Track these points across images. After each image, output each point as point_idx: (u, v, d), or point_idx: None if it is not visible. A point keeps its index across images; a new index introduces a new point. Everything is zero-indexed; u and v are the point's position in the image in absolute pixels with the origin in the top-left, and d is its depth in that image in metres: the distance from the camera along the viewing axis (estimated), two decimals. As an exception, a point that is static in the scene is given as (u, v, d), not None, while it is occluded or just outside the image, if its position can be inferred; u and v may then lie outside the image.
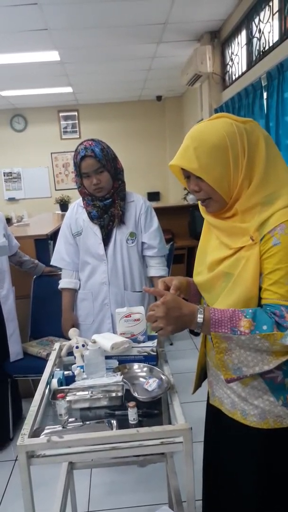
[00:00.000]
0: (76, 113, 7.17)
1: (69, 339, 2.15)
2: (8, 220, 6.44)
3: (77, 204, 2.14)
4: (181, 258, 4.85)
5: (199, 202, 1.16)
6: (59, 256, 2.15)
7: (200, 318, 1.05)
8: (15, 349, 2.52)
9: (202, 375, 1.35)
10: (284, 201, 1.03)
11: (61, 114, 7.15)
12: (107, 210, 2.02)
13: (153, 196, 7.27)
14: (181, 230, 5.48)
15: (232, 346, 1.04)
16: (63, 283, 2.17)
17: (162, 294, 1.12)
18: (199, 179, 1.08)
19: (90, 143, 1.95)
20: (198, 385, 1.38)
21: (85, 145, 1.94)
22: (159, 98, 6.99)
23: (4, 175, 7.22)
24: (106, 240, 2.05)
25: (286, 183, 1.06)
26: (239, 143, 1.04)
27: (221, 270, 1.10)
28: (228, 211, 1.10)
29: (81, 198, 2.09)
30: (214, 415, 1.27)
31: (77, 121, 7.19)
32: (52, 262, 2.21)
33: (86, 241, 2.07)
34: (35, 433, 1.16)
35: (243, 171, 1.05)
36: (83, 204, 2.07)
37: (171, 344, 3.78)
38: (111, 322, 2.09)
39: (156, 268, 2.15)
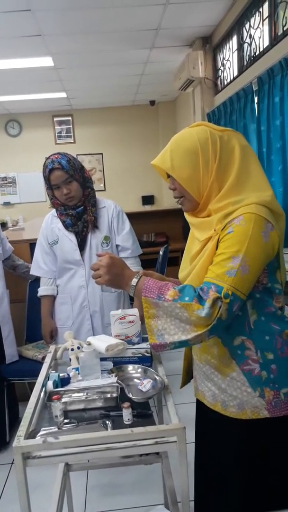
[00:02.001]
0: (70, 118, 7.20)
1: (49, 344, 2.22)
2: (4, 224, 6.45)
3: (51, 215, 2.24)
4: (176, 261, 4.88)
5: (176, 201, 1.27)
6: (37, 265, 2.27)
7: (134, 281, 1.18)
8: (10, 351, 2.54)
9: (189, 370, 1.39)
10: (251, 199, 1.10)
11: (55, 119, 7.17)
12: (80, 217, 2.13)
13: (148, 199, 7.30)
14: (175, 233, 5.52)
15: (160, 314, 1.11)
16: (41, 291, 2.29)
17: (112, 256, 1.26)
18: (175, 179, 1.19)
19: (56, 156, 2.06)
20: (185, 380, 1.42)
21: (52, 159, 2.05)
22: (152, 102, 7.03)
23: (-1, 180, 7.23)
24: (81, 245, 2.16)
25: (258, 189, 1.13)
26: (211, 149, 1.13)
27: (193, 264, 1.19)
28: (203, 211, 1.19)
29: (54, 209, 2.19)
30: (198, 410, 1.33)
31: (71, 126, 7.21)
32: (31, 272, 2.34)
33: (62, 249, 2.17)
34: (31, 435, 1.18)
35: (213, 174, 1.13)
36: (57, 214, 2.18)
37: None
38: (90, 324, 2.21)
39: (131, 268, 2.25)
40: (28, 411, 1.26)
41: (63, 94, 6.03)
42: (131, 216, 2.33)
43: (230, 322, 1.09)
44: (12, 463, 2.39)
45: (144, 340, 1.58)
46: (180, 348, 1.14)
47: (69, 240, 2.15)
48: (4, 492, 2.19)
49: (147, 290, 1.13)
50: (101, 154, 7.29)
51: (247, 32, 3.52)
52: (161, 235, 5.54)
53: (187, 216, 1.26)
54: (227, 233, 1.08)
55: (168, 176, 1.23)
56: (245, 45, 3.60)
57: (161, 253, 4.06)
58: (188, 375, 1.41)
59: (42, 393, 1.38)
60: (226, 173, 1.13)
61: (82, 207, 2.13)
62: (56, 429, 1.21)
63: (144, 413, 1.26)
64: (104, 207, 2.21)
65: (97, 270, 1.24)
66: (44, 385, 1.41)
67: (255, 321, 1.14)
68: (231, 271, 1.05)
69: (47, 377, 1.45)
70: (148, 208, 7.09)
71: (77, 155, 6.34)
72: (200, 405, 1.31)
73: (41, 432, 1.20)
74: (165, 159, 1.17)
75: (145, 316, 1.12)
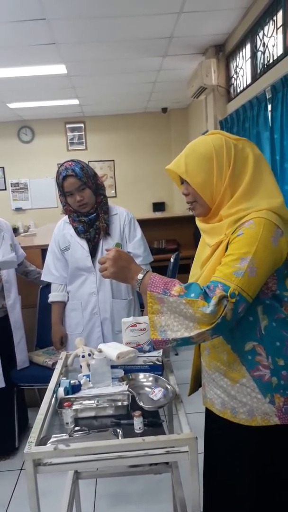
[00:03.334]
0: (82, 125, 7.26)
1: (59, 350, 2.22)
2: (15, 230, 6.50)
3: (63, 221, 2.25)
4: (187, 268, 4.86)
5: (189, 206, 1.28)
6: (48, 271, 2.28)
7: (140, 276, 1.18)
8: (21, 357, 2.54)
9: (197, 377, 1.38)
10: (262, 205, 1.12)
11: (67, 125, 7.24)
12: (92, 224, 2.14)
13: (159, 206, 7.31)
14: (187, 240, 5.50)
15: (164, 310, 1.11)
16: (52, 297, 2.29)
17: (119, 250, 1.27)
18: (188, 184, 1.21)
19: (70, 163, 2.07)
20: (193, 387, 1.41)
21: (65, 166, 2.06)
22: (164, 110, 7.06)
23: (12, 186, 7.30)
24: (93, 252, 2.16)
25: (269, 196, 1.15)
26: (225, 155, 1.16)
27: (203, 268, 1.19)
28: (214, 217, 1.20)
29: (67, 216, 2.20)
30: (207, 418, 1.32)
31: (83, 133, 7.27)
32: (42, 277, 2.34)
33: (74, 255, 2.18)
34: (41, 441, 1.18)
35: (227, 181, 1.15)
36: (69, 220, 2.19)
37: (177, 354, 3.78)
38: (100, 331, 2.20)
39: None
40: (39, 418, 1.26)
41: (75, 101, 6.09)
42: (142, 223, 2.33)
43: (233, 324, 1.08)
44: (21, 469, 2.39)
45: (155, 348, 1.58)
46: (182, 346, 1.13)
47: (80, 246, 2.16)
48: (13, 498, 2.19)
49: (153, 285, 1.13)
50: (113, 160, 7.33)
51: (261, 40, 3.53)
52: (172, 242, 5.53)
53: (198, 223, 1.28)
54: (237, 235, 1.10)
55: (182, 182, 1.25)
56: (259, 53, 3.60)
57: (172, 260, 4.06)
58: (196, 383, 1.40)
59: (53, 400, 1.38)
60: (239, 180, 1.15)
61: (95, 214, 2.13)
62: (67, 436, 1.21)
63: (154, 422, 1.25)
64: (116, 214, 2.22)
65: (104, 264, 1.25)
66: (55, 391, 1.40)
67: (266, 327, 1.14)
68: (238, 271, 1.05)
69: (58, 384, 1.45)
70: (159, 215, 7.09)
71: (88, 161, 6.38)
72: (209, 414, 1.29)
73: (52, 439, 1.19)
74: (180, 164, 1.20)
75: (148, 311, 1.12)
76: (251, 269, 1.05)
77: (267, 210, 1.11)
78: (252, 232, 1.08)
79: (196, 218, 1.29)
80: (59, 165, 2.12)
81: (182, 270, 4.52)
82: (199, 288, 1.07)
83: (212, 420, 1.27)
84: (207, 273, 1.15)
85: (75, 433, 1.22)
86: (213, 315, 1.02)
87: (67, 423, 1.24)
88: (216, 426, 1.26)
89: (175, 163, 1.22)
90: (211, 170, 1.16)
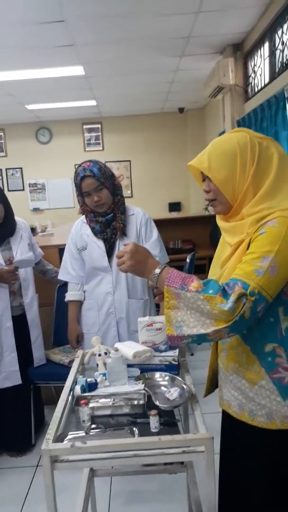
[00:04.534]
0: (99, 126, 7.30)
1: (75, 349, 2.23)
2: (33, 230, 6.58)
3: (80, 221, 2.27)
4: (203, 268, 4.85)
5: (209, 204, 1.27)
6: (65, 270, 2.30)
7: (158, 270, 1.17)
8: (38, 355, 2.58)
9: (214, 379, 1.38)
10: (286, 205, 1.10)
11: (85, 126, 7.29)
12: (109, 224, 2.15)
13: (175, 206, 7.29)
14: (202, 240, 5.48)
15: (180, 306, 1.09)
16: (69, 296, 2.31)
17: (137, 244, 1.27)
18: (210, 180, 1.19)
19: (88, 164, 2.08)
20: (209, 388, 1.40)
21: (83, 167, 2.07)
22: (181, 110, 7.04)
23: (30, 186, 7.39)
24: (110, 252, 2.18)
25: None
26: (249, 153, 1.14)
27: (224, 268, 1.18)
28: (234, 216, 1.19)
29: (84, 216, 2.22)
30: (224, 420, 1.30)
31: (100, 134, 7.31)
32: (59, 276, 2.36)
33: (91, 255, 2.19)
34: (58, 438, 1.19)
35: (250, 178, 1.13)
36: (86, 220, 2.21)
37: (192, 354, 3.77)
38: (116, 330, 2.21)
39: None
40: (56, 415, 1.27)
41: (93, 102, 6.13)
42: (158, 223, 2.34)
43: (251, 324, 1.07)
44: (38, 465, 2.42)
45: (171, 348, 1.58)
46: (198, 342, 1.12)
47: (97, 246, 2.18)
48: (29, 493, 2.21)
49: (170, 280, 1.11)
50: (129, 161, 7.35)
51: (280, 38, 3.49)
52: (188, 242, 5.52)
53: (218, 221, 1.26)
54: (260, 233, 1.08)
55: (203, 179, 1.24)
56: (277, 52, 3.56)
57: (188, 260, 4.05)
58: (212, 384, 1.39)
59: (70, 398, 1.39)
60: (263, 178, 1.14)
61: (112, 214, 2.15)
62: (83, 434, 1.22)
63: (170, 422, 1.25)
64: (133, 214, 2.23)
65: (121, 258, 1.24)
66: (72, 389, 1.42)
67: (287, 328, 1.12)
68: (260, 270, 1.04)
69: (74, 382, 1.46)
70: (175, 215, 7.08)
71: (105, 162, 6.39)
72: (226, 415, 1.28)
73: (69, 436, 1.21)
74: (203, 160, 1.18)
75: (165, 306, 1.11)
76: (272, 268, 1.03)
77: None
78: (276, 230, 1.06)
79: (217, 216, 1.28)
80: (77, 166, 2.13)
81: (198, 270, 4.51)
82: (217, 285, 1.06)
83: (229, 422, 1.26)
84: (228, 272, 1.13)
85: (91, 431, 1.23)
86: (231, 312, 1.01)
87: (83, 421, 1.25)
88: (233, 428, 1.25)
89: (198, 159, 1.21)
90: (234, 167, 1.14)
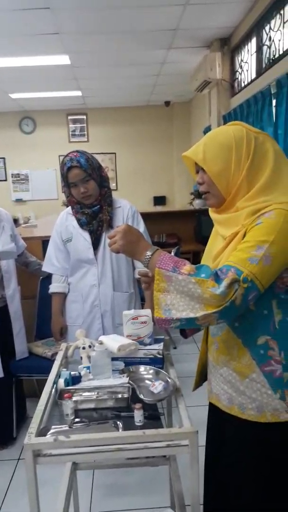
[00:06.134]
0: (84, 117, 7.22)
1: (59, 341, 2.21)
2: (15, 221, 6.47)
3: (66, 212, 2.24)
4: (186, 263, 4.86)
5: (203, 196, 1.26)
6: (50, 262, 2.27)
7: (149, 252, 1.16)
8: (20, 348, 2.55)
9: (203, 372, 1.38)
10: (282, 199, 1.10)
11: (69, 117, 7.20)
12: (96, 216, 2.13)
13: (159, 200, 7.29)
14: (187, 234, 5.50)
15: (170, 289, 1.08)
16: (53, 288, 2.29)
17: (130, 225, 1.27)
18: (204, 172, 1.18)
19: (75, 154, 2.05)
20: (198, 382, 1.41)
21: (70, 157, 2.04)
22: (167, 103, 7.02)
23: (12, 177, 7.27)
24: (95, 244, 2.16)
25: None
26: (245, 147, 1.13)
27: (217, 260, 1.17)
28: (227, 209, 1.18)
29: (70, 207, 2.19)
30: (211, 413, 1.31)
31: (85, 125, 7.24)
32: (43, 268, 2.34)
33: (76, 247, 2.17)
34: (41, 432, 1.17)
35: (244, 172, 1.13)
36: (72, 212, 2.18)
37: (175, 347, 3.78)
38: (101, 323, 2.20)
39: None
40: (39, 409, 1.25)
41: (78, 93, 6.05)
42: (143, 216, 2.32)
43: (241, 312, 1.07)
44: (19, 459, 2.40)
45: (156, 341, 1.58)
46: (186, 327, 1.10)
47: (83, 238, 2.15)
48: (10, 487, 2.20)
49: (162, 262, 1.10)
50: (114, 153, 7.30)
51: (267, 34, 3.49)
52: (172, 236, 5.52)
53: (211, 213, 1.26)
54: (256, 224, 1.08)
55: (197, 171, 1.23)
56: (264, 48, 3.57)
57: (172, 254, 4.04)
58: (201, 378, 1.40)
59: (53, 391, 1.37)
60: (258, 173, 1.13)
61: (98, 206, 2.12)
62: (66, 428, 1.21)
63: (153, 415, 1.25)
64: (119, 207, 2.21)
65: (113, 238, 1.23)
66: (55, 382, 1.40)
67: (280, 321, 1.12)
68: (254, 258, 1.03)
69: (58, 375, 1.45)
70: (159, 208, 7.07)
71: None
72: (213, 408, 1.28)
73: (52, 430, 1.19)
74: (198, 151, 1.17)
75: (154, 288, 1.09)
76: (266, 257, 1.03)
77: None
78: (272, 221, 1.06)
79: (210, 209, 1.27)
80: (63, 156, 2.09)
81: (182, 264, 4.52)
82: (210, 270, 1.05)
83: (216, 415, 1.26)
84: (222, 263, 1.11)
85: (75, 424, 1.22)
86: (222, 297, 1.00)
87: (67, 415, 1.24)
88: (221, 422, 1.25)
89: (192, 150, 1.19)
90: (229, 160, 1.13)
